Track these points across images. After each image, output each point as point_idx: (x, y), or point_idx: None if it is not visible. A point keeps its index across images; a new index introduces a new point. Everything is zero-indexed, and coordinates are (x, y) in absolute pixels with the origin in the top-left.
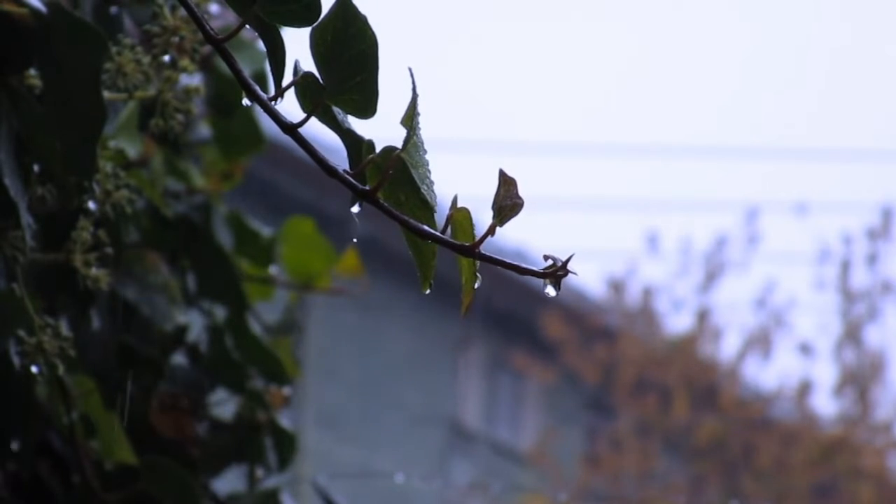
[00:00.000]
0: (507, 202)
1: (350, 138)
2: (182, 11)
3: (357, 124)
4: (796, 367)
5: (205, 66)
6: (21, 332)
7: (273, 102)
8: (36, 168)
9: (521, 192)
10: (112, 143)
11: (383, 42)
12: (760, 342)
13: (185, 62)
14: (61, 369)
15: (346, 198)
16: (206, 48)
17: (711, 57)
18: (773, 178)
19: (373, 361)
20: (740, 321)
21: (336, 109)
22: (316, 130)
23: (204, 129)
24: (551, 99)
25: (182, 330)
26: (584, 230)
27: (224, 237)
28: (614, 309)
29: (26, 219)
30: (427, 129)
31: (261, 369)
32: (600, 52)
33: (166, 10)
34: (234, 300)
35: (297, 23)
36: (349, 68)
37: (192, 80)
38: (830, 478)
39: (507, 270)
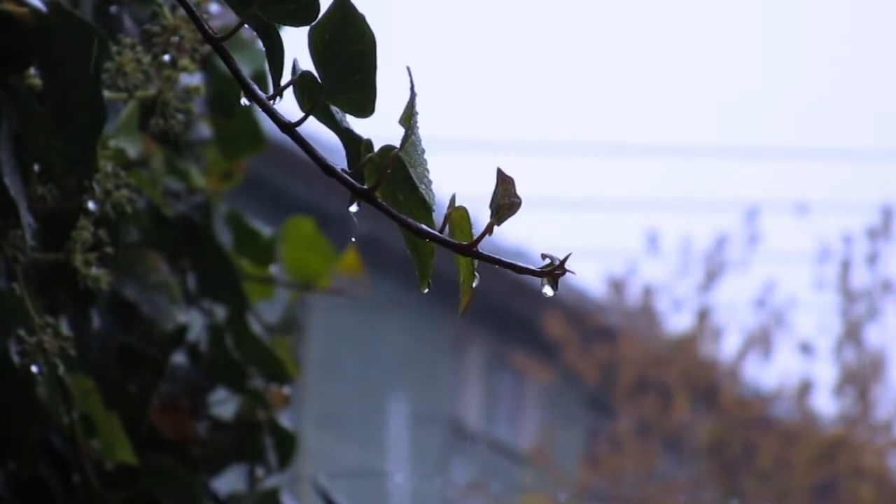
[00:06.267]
0: (505, 201)
1: (348, 137)
2: (182, 10)
3: (355, 123)
4: (796, 367)
5: (205, 65)
6: (21, 332)
7: (271, 102)
8: (36, 168)
9: (520, 191)
10: (112, 143)
11: (382, 41)
12: (760, 342)
13: (185, 62)
14: (61, 369)
15: (346, 197)
16: (206, 47)
17: (711, 57)
18: (773, 178)
19: (373, 361)
20: (740, 321)
21: (334, 108)
22: (315, 129)
23: (204, 129)
24: (551, 98)
25: (182, 329)
26: (584, 230)
27: (224, 237)
28: (614, 309)
29: (26, 218)
30: (425, 128)
31: (261, 369)
32: (600, 52)
33: (166, 10)
34: (234, 300)
35: (296, 22)
36: (347, 67)
37: (193, 79)
38: (831, 477)
39: (507, 269)
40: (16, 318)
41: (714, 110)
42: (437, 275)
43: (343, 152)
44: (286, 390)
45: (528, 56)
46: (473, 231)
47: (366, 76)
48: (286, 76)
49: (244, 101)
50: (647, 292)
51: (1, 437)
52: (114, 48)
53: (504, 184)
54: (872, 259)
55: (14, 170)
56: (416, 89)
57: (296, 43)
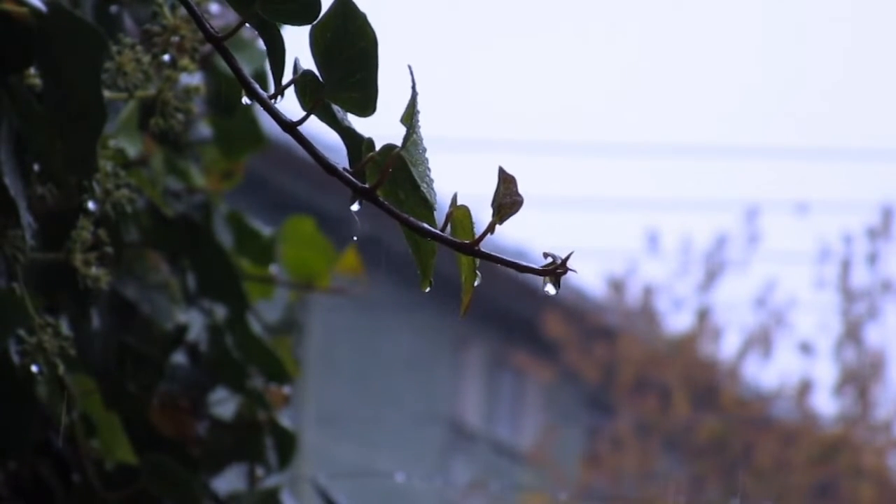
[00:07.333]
0: (507, 200)
1: (349, 136)
2: (182, 10)
3: (357, 122)
4: (796, 367)
5: (205, 65)
6: (21, 332)
7: (273, 101)
8: (36, 168)
9: (521, 190)
10: (112, 143)
11: (383, 40)
12: (760, 341)
13: (185, 61)
14: (61, 369)
15: (347, 196)
16: (206, 47)
17: (712, 57)
18: (773, 177)
19: (373, 360)
20: (740, 321)
21: (336, 107)
22: (316, 129)
23: (204, 129)
24: (552, 98)
25: (182, 329)
26: (584, 230)
27: (224, 236)
28: (614, 308)
29: (26, 218)
30: (427, 127)
31: (261, 369)
32: (601, 52)
33: (166, 10)
34: (234, 299)
35: (297, 21)
36: (349, 66)
37: (193, 79)
38: (830, 477)
39: (507, 269)
40: (16, 318)
41: (714, 110)
42: (438, 274)
43: (344, 151)
44: (286, 390)
45: (529, 55)
46: (475, 230)
47: (367, 75)
48: (287, 75)
49: (245, 100)
50: (647, 292)
51: (1, 437)
52: (114, 48)
53: (506, 183)
54: (872, 259)
55: (14, 170)
56: (418, 88)
57: (297, 42)
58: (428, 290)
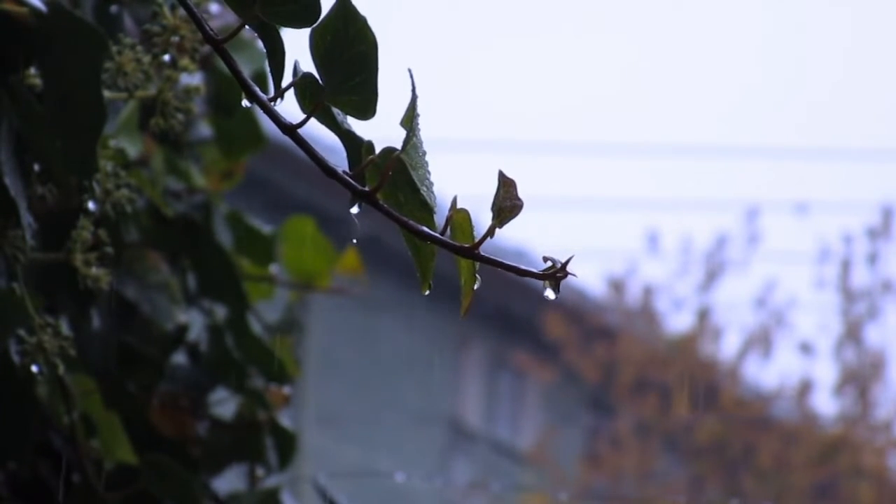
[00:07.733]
0: (507, 203)
1: (349, 139)
2: (182, 11)
3: (357, 125)
4: (796, 367)
5: (205, 65)
6: (21, 332)
7: (272, 103)
8: (36, 168)
9: (521, 192)
10: (112, 143)
11: (383, 43)
12: (760, 342)
13: (185, 61)
14: (61, 369)
15: (347, 197)
16: (206, 47)
17: (712, 57)
18: (773, 178)
19: (373, 361)
20: (740, 321)
21: (335, 110)
22: (316, 131)
23: (204, 129)
24: (552, 98)
25: (182, 329)
26: (584, 230)
27: (224, 236)
28: (614, 308)
29: (26, 218)
30: (427, 128)
31: (261, 369)
32: (601, 52)
33: (166, 10)
34: (234, 299)
35: (297, 23)
36: (349, 69)
37: (193, 79)
38: (831, 477)
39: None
40: (16, 318)
41: (714, 110)
42: (438, 275)
43: (344, 153)
44: (286, 390)
45: (529, 55)
46: (475, 233)
47: (367, 78)
48: (287, 77)
49: (245, 102)
50: (647, 292)
51: (1, 437)
52: (114, 48)
53: (506, 186)
54: (872, 259)
55: (14, 170)
56: (418, 91)
57: (297, 44)
58: (428, 292)
